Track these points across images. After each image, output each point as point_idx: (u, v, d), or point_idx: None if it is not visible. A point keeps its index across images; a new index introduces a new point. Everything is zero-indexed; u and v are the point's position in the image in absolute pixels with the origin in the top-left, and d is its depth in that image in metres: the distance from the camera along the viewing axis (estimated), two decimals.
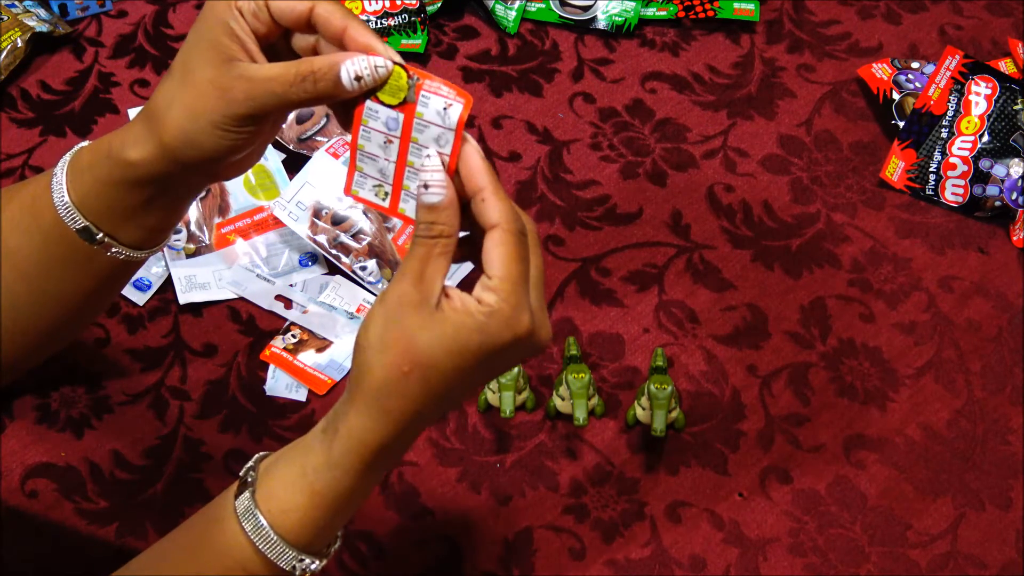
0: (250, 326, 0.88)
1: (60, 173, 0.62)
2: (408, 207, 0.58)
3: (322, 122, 0.96)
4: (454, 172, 0.55)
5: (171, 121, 0.57)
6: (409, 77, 0.55)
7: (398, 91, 0.55)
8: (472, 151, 0.55)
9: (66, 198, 0.61)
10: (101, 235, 0.62)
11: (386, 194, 0.58)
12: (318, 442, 0.56)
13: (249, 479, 0.56)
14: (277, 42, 0.59)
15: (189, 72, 0.57)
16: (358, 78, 0.55)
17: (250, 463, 0.58)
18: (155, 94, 0.59)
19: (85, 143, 0.63)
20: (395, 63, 0.55)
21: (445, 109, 0.54)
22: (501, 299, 0.53)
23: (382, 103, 0.56)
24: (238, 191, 0.93)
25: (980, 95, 0.99)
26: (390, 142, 0.57)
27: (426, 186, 0.54)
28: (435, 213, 0.54)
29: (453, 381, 0.54)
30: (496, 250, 0.54)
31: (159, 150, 0.58)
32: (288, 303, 0.88)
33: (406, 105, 0.55)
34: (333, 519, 0.57)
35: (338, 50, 0.56)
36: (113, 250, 0.63)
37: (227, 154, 0.58)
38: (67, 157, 0.62)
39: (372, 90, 0.56)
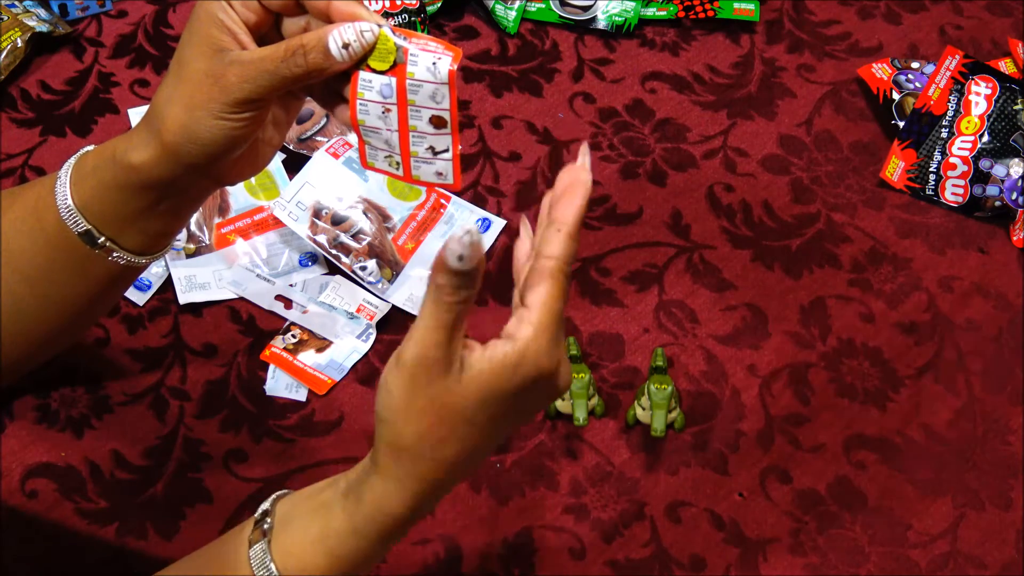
0: (250, 326, 0.88)
1: (64, 176, 0.62)
2: (421, 172, 0.58)
3: (322, 122, 0.96)
4: (457, 125, 0.55)
5: (170, 118, 0.58)
6: (397, 38, 0.55)
7: (387, 54, 0.55)
8: (583, 189, 0.53)
9: (69, 201, 0.61)
10: (103, 239, 0.62)
11: (397, 163, 0.59)
12: (340, 507, 0.55)
13: (265, 526, 0.56)
14: (268, 33, 0.59)
15: (183, 68, 0.57)
16: (346, 45, 0.55)
17: (266, 505, 0.57)
18: (154, 96, 0.59)
19: (90, 147, 0.63)
20: (381, 26, 0.55)
21: (434, 64, 0.54)
22: (539, 331, 0.51)
23: (374, 71, 0.56)
24: (238, 191, 0.93)
25: (980, 95, 0.99)
26: (388, 111, 0.57)
27: (460, 257, 0.48)
28: (464, 277, 0.49)
29: (487, 431, 0.53)
30: (545, 283, 0.52)
31: (161, 151, 0.58)
32: (288, 303, 0.88)
33: (397, 68, 0.55)
34: None
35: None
36: (115, 255, 0.63)
37: (226, 146, 0.58)
38: (72, 160, 0.63)
39: (362, 59, 0.56)
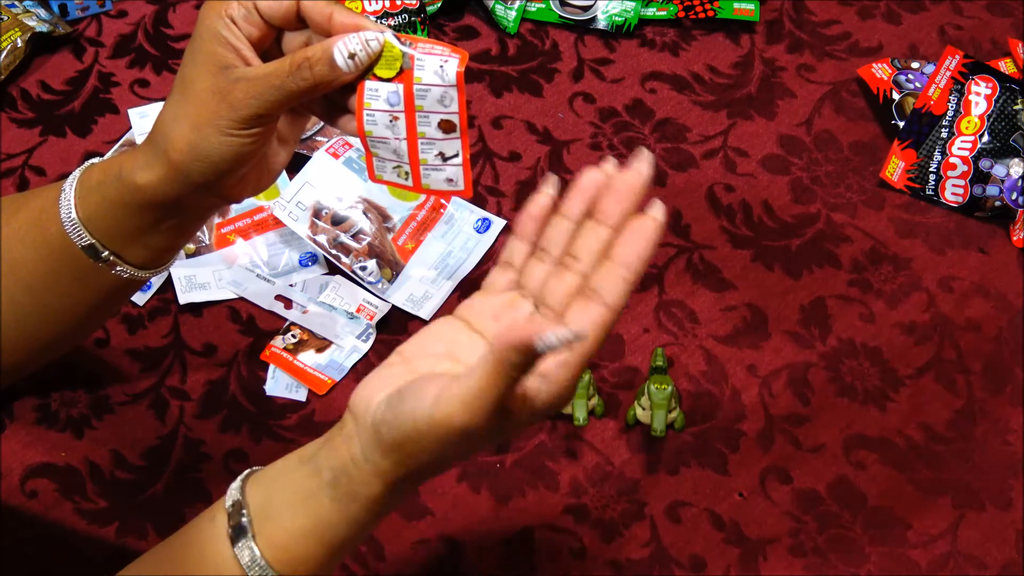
0: (250, 326, 0.88)
1: (69, 189, 0.62)
2: (431, 180, 0.58)
3: (322, 122, 0.96)
4: (467, 128, 0.55)
5: (177, 137, 0.58)
6: (402, 45, 0.55)
7: (393, 61, 0.55)
8: (654, 227, 0.51)
9: (73, 215, 0.61)
10: (107, 253, 0.62)
11: (406, 173, 0.58)
12: (328, 497, 0.53)
13: (243, 520, 0.54)
14: (270, 49, 0.59)
15: (188, 86, 0.57)
16: (352, 55, 0.55)
17: (236, 495, 0.55)
18: (159, 116, 0.59)
19: (95, 160, 0.63)
20: (384, 34, 0.55)
21: (441, 67, 0.54)
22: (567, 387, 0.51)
23: (380, 79, 0.56)
24: None
25: (980, 95, 0.99)
26: (395, 119, 0.56)
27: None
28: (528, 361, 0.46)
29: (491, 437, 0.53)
30: (594, 333, 0.51)
31: (167, 170, 0.59)
32: (288, 303, 0.88)
33: (403, 74, 0.55)
34: (340, 560, 0.56)
35: None
36: (118, 268, 0.63)
37: (235, 163, 0.58)
38: (77, 173, 0.63)
39: (368, 69, 0.56)
